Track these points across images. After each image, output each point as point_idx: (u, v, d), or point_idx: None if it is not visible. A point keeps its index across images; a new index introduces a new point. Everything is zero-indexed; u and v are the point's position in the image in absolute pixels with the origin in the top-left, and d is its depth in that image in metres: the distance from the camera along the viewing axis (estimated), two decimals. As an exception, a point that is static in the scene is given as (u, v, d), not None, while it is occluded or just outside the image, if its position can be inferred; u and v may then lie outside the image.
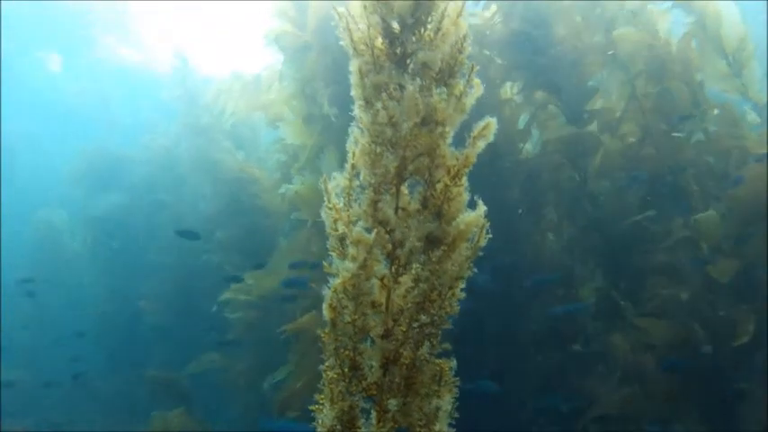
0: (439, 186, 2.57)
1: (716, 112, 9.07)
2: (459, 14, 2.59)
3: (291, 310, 9.60)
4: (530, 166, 9.66)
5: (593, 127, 9.55)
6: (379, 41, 2.62)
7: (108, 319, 16.32)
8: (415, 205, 2.58)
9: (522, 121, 9.91)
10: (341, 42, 2.67)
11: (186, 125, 15.81)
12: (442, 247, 2.52)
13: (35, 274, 17.27)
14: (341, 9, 2.59)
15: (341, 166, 2.73)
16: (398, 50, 2.62)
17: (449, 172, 2.57)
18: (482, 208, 2.57)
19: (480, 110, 2.63)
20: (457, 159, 2.60)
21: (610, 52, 9.36)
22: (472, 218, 2.53)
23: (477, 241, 2.55)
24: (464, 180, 2.61)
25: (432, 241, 2.52)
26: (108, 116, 23.04)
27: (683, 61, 9.11)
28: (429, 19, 2.62)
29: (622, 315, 8.64)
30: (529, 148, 10.08)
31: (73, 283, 17.14)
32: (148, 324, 15.39)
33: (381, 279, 2.56)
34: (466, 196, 2.61)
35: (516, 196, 9.58)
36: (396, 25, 2.64)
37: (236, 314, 12.10)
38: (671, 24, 9.50)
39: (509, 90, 9.97)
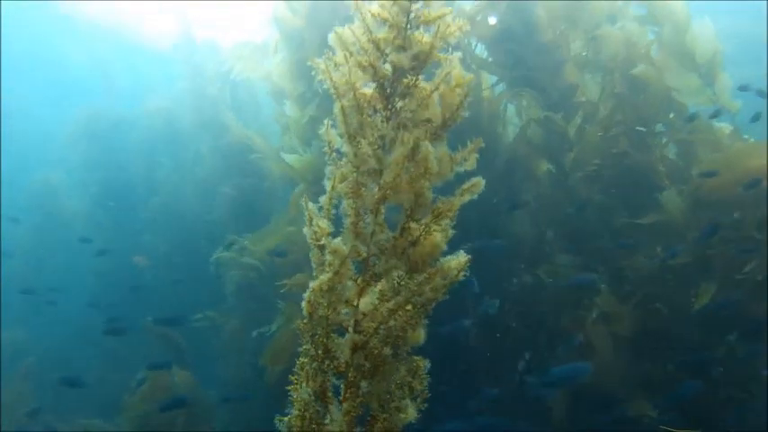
0: (420, 225, 2.91)
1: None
2: (461, 83, 2.96)
3: (284, 271, 10.03)
4: (508, 154, 10.06)
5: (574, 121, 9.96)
6: (364, 88, 2.93)
7: (106, 277, 16.73)
8: (392, 232, 2.92)
9: (503, 110, 10.28)
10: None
11: (188, 89, 16.07)
12: (424, 275, 2.86)
13: (35, 237, 17.74)
14: (319, 61, 2.91)
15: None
16: (388, 100, 2.95)
17: (432, 212, 2.90)
18: (465, 257, 2.90)
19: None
20: (442, 204, 2.92)
21: (584, 53, 9.74)
22: (453, 263, 2.87)
23: (456, 276, 2.89)
24: (446, 222, 2.93)
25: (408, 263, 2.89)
26: (107, 78, 23.03)
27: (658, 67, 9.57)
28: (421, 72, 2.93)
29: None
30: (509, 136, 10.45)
31: (71, 243, 17.41)
32: (146, 281, 15.81)
33: (356, 280, 3.00)
34: (448, 234, 2.95)
35: (495, 184, 9.99)
36: (387, 69, 2.97)
37: (231, 273, 12.57)
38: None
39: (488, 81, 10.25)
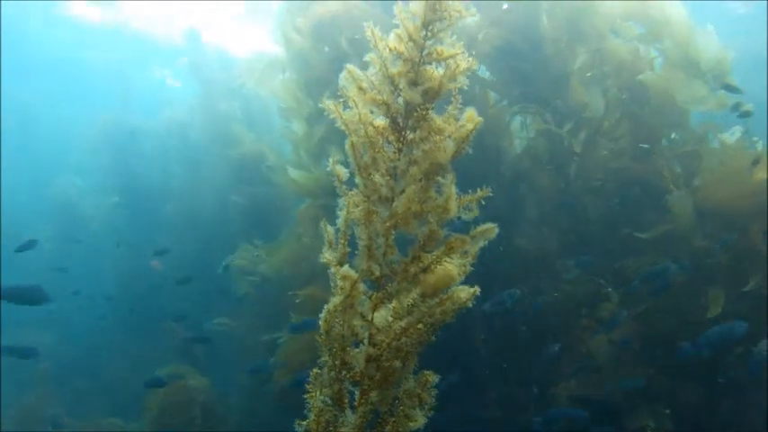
0: (431, 256, 3.08)
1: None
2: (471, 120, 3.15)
3: (295, 283, 10.25)
4: (513, 168, 10.26)
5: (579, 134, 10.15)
6: (376, 123, 3.11)
7: (124, 281, 17.01)
8: (405, 258, 3.10)
9: (508, 122, 10.47)
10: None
11: (199, 102, 16.40)
12: (436, 300, 3.05)
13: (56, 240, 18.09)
14: (329, 102, 3.12)
15: (343, 157, 3.20)
16: (400, 133, 3.13)
17: (446, 245, 3.07)
18: (475, 289, 3.07)
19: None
20: (455, 240, 3.08)
21: (589, 65, 9.91)
22: (464, 294, 3.04)
23: (466, 303, 3.06)
24: (461, 258, 3.10)
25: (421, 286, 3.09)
26: (125, 86, 23.40)
27: (662, 80, 9.73)
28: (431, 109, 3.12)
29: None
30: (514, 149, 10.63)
31: (91, 248, 17.74)
32: (161, 285, 16.06)
33: (370, 297, 3.23)
34: (466, 269, 3.11)
35: (500, 197, 10.18)
36: (400, 104, 3.15)
37: (244, 281, 12.84)
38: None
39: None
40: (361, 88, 3.18)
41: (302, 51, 10.60)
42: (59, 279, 18.26)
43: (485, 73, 10.24)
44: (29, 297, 10.08)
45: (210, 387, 11.87)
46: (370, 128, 3.06)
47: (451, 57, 3.16)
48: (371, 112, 3.18)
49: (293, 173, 10.50)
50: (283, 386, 9.69)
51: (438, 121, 3.15)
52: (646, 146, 9.58)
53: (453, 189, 3.04)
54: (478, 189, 3.08)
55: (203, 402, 11.52)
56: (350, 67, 3.26)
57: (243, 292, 13.10)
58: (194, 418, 11.18)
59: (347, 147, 3.07)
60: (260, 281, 12.33)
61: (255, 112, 16.18)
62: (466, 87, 3.22)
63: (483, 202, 3.14)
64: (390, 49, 3.23)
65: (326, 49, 10.22)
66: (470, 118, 3.16)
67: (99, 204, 18.93)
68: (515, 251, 10.05)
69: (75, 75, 26.55)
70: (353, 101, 3.15)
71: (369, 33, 3.23)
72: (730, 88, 9.43)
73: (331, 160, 3.12)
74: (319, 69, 10.31)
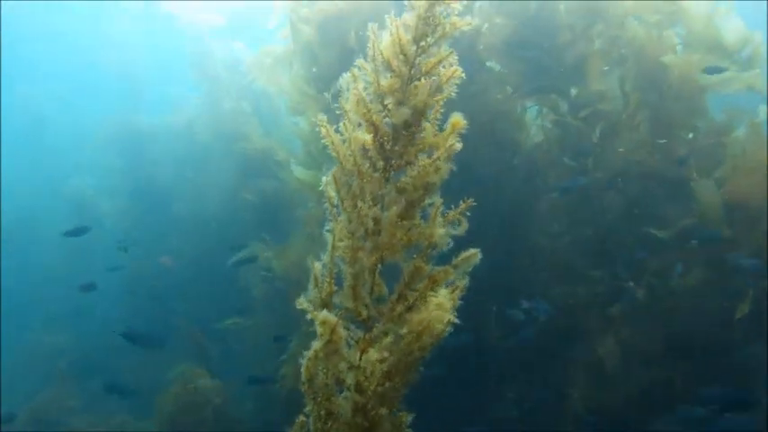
0: (415, 294, 2.81)
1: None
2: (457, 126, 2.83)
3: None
4: (528, 161, 9.85)
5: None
6: (367, 143, 2.81)
7: (135, 280, 16.86)
8: (391, 295, 2.82)
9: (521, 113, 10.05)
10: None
11: (207, 101, 16.17)
12: (412, 334, 2.76)
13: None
14: (322, 117, 2.80)
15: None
16: (387, 161, 2.83)
17: (428, 279, 2.80)
18: (450, 317, 2.76)
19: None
20: (438, 273, 2.81)
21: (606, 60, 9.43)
22: (439, 324, 2.73)
23: (443, 331, 2.77)
24: (442, 288, 2.81)
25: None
26: (135, 87, 23.27)
27: (682, 66, 9.20)
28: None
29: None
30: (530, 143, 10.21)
31: (103, 249, 17.60)
32: (172, 284, 15.89)
33: (357, 341, 2.88)
34: (455, 302, 2.82)
35: (516, 190, 9.79)
36: (387, 126, 2.85)
37: (256, 280, 12.60)
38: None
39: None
40: (358, 101, 2.83)
41: (309, 45, 10.20)
42: (76, 276, 18.23)
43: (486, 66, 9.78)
44: (149, 340, 11.10)
45: (222, 388, 11.63)
46: (359, 155, 2.71)
47: (439, 62, 2.79)
48: (359, 126, 2.82)
49: (298, 171, 10.13)
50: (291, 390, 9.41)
51: (426, 137, 2.78)
52: (665, 137, 9.06)
53: (438, 216, 2.70)
54: (464, 199, 2.84)
55: (215, 404, 11.29)
56: (354, 71, 2.92)
57: (255, 290, 12.83)
58: (205, 419, 10.97)
59: (331, 176, 2.78)
60: (271, 278, 12.03)
61: (264, 109, 15.85)
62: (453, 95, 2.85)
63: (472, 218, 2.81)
64: (383, 59, 2.87)
65: (334, 44, 9.80)
66: (455, 124, 2.79)
67: (111, 204, 18.74)
68: (531, 247, 9.67)
69: (86, 76, 26.48)
70: (347, 119, 2.80)
71: (370, 35, 2.87)
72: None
73: (324, 180, 2.76)
74: (327, 64, 9.90)
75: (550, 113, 9.90)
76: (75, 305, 17.16)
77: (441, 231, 2.75)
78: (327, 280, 2.78)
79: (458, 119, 2.79)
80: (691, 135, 9.38)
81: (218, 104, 16.05)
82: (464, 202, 2.79)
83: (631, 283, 9.15)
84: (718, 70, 8.90)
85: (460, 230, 2.78)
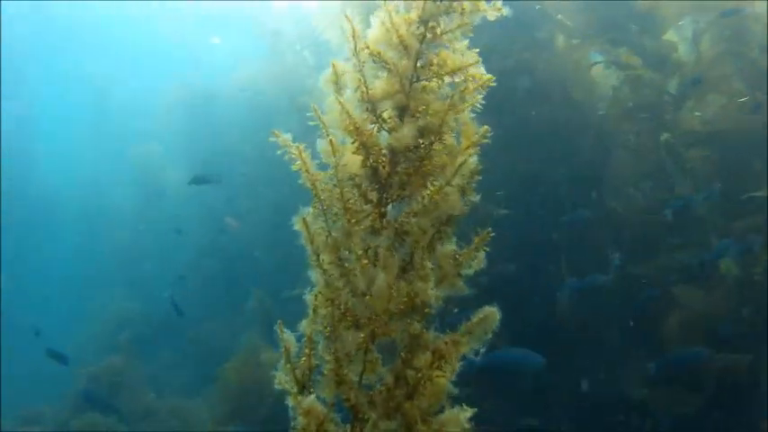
0: (417, 373, 2.05)
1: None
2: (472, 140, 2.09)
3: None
4: (601, 122, 8.84)
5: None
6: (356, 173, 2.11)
7: (203, 250, 16.74)
8: (387, 377, 2.07)
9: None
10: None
11: (269, 56, 15.58)
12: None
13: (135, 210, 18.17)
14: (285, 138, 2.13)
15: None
16: (382, 192, 2.12)
17: (433, 353, 2.05)
18: (467, 412, 2.06)
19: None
20: (445, 344, 2.05)
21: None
22: (455, 421, 2.03)
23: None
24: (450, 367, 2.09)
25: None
26: (198, 52, 22.98)
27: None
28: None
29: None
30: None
31: (170, 216, 17.50)
32: (240, 252, 15.62)
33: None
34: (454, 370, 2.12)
35: (588, 147, 8.81)
36: (383, 147, 2.14)
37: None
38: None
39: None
40: (341, 112, 2.13)
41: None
42: (143, 244, 18.38)
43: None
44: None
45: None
46: (347, 187, 2.01)
47: (460, 69, 2.05)
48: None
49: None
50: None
51: (438, 158, 2.05)
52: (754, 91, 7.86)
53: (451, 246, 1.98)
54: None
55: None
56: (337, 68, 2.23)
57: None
58: (267, 394, 10.67)
59: (301, 221, 2.06)
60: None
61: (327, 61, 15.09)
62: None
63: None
64: (372, 55, 2.15)
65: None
66: (474, 135, 2.05)
67: (177, 169, 18.55)
68: (606, 214, 8.72)
69: (147, 46, 26.43)
70: (327, 136, 2.11)
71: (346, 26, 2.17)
72: None
73: (297, 221, 2.10)
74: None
75: (622, 70, 8.78)
76: (143, 274, 17.21)
77: (453, 282, 2.02)
78: (307, 351, 2.08)
79: (477, 128, 2.04)
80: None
81: (281, 58, 15.38)
82: (479, 234, 2.04)
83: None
84: None
85: (476, 266, 2.06)
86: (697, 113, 8.27)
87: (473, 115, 2.12)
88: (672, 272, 8.07)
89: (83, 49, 26.43)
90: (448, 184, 1.96)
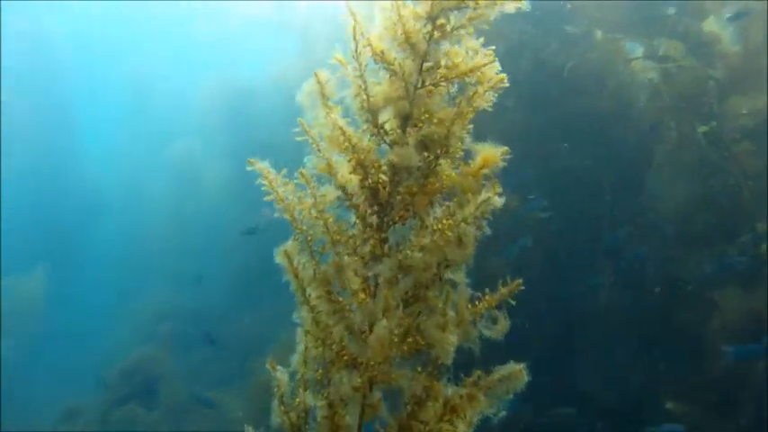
0: (425, 427, 1.78)
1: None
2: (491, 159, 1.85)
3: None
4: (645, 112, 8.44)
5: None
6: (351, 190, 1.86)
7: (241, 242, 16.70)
8: (390, 425, 1.79)
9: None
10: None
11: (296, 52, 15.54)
12: None
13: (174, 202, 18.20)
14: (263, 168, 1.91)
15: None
16: (382, 216, 1.87)
17: (443, 404, 1.77)
18: None
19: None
20: (460, 398, 1.76)
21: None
22: None
23: None
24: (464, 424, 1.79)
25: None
26: (233, 48, 23.03)
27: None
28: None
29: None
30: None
31: (211, 210, 17.52)
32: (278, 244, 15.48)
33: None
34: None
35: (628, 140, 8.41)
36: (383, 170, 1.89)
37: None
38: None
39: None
40: (334, 129, 1.92)
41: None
42: (182, 237, 18.39)
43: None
44: None
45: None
46: (332, 218, 1.79)
47: (472, 72, 1.82)
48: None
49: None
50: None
51: (446, 176, 1.83)
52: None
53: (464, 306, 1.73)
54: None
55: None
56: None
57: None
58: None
59: (283, 253, 1.84)
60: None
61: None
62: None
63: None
64: (375, 54, 1.92)
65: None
66: (488, 158, 1.83)
67: (217, 164, 18.57)
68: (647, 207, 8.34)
69: (187, 45, 26.57)
70: (318, 154, 1.91)
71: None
72: None
73: (278, 254, 1.89)
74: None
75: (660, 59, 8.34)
76: (180, 270, 17.20)
77: (468, 331, 1.78)
78: (301, 395, 1.83)
79: (489, 154, 1.80)
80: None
81: (310, 51, 15.30)
82: (504, 287, 1.79)
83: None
84: None
85: (497, 333, 1.78)
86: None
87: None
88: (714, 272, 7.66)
89: (124, 45, 26.75)
90: (464, 221, 1.72)
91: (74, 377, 14.64)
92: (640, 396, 7.64)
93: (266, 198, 1.90)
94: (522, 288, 1.76)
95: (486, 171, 1.78)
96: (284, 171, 1.97)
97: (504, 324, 1.72)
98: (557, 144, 8.35)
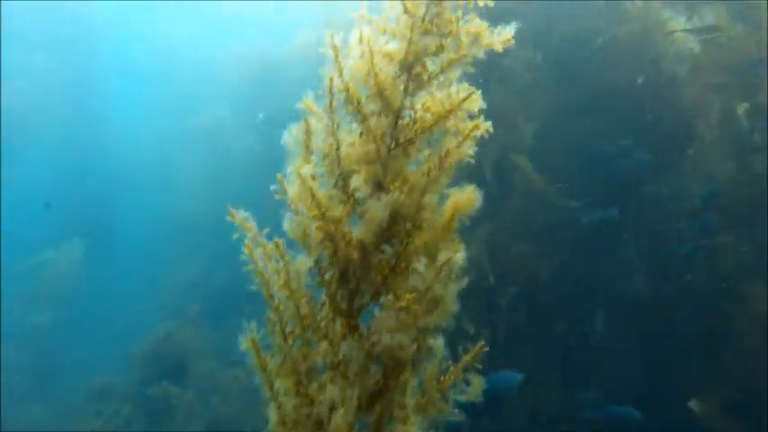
0: None
1: None
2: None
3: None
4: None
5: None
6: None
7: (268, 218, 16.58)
8: None
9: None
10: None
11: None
12: None
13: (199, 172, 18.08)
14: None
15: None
16: (351, 300, 1.66)
17: None
18: None
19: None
20: None
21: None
22: None
23: None
24: None
25: None
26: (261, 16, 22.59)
27: None
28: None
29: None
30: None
31: (237, 181, 17.28)
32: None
33: None
34: None
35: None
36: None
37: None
38: None
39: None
40: (303, 190, 1.68)
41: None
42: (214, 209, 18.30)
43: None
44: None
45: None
46: (304, 300, 1.56)
47: (450, 112, 1.55)
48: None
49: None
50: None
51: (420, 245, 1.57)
52: None
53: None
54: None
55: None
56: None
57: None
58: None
59: (249, 340, 1.63)
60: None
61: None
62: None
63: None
64: (349, 102, 1.65)
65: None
66: (457, 205, 1.56)
67: (245, 134, 18.30)
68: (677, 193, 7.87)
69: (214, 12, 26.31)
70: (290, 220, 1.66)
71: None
72: None
73: (244, 341, 1.67)
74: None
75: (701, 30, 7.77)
76: (212, 244, 17.13)
77: (438, 408, 1.54)
78: None
79: (468, 195, 1.53)
80: None
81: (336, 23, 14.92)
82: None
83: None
84: None
85: (472, 394, 1.58)
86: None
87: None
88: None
89: (154, 14, 26.51)
90: (428, 289, 1.45)
91: (104, 353, 14.82)
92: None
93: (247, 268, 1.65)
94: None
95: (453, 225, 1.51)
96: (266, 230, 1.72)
97: (478, 383, 1.48)
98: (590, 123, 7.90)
